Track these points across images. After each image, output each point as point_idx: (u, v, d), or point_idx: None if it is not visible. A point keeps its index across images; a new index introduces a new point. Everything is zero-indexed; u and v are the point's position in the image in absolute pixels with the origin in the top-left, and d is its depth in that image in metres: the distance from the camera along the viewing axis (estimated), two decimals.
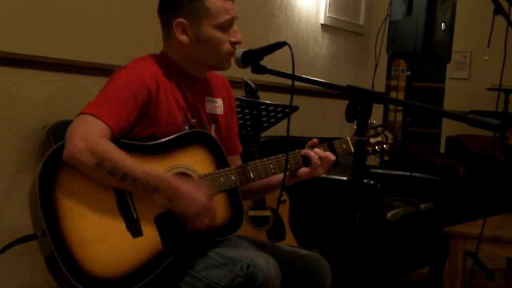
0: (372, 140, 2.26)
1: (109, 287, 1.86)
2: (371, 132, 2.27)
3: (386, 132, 2.27)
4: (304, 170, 2.17)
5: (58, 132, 2.91)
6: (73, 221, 1.87)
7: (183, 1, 2.09)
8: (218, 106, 2.24)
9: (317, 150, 2.18)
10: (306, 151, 2.17)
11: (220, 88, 2.28)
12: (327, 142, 2.21)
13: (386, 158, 2.29)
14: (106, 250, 1.88)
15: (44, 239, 1.85)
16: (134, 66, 2.06)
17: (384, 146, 2.26)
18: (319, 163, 2.15)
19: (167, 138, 2.06)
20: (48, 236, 1.83)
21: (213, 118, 2.22)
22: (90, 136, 1.89)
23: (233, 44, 2.11)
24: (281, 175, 2.14)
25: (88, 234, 1.88)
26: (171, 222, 1.98)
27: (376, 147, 2.26)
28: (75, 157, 1.87)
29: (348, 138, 2.23)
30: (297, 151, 2.18)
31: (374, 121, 2.29)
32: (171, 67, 2.14)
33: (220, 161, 2.12)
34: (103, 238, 1.89)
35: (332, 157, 2.18)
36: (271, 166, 2.14)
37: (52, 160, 1.90)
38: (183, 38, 2.10)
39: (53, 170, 1.89)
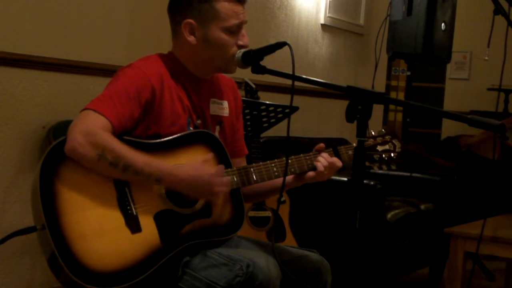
0: (380, 148, 2.25)
1: (106, 282, 1.87)
2: (379, 140, 2.26)
3: (394, 141, 2.26)
4: (309, 174, 2.18)
5: (58, 132, 2.91)
6: (72, 215, 1.88)
7: (192, 2, 2.09)
8: (223, 108, 2.24)
9: (324, 156, 2.17)
10: (316, 163, 2.16)
11: (226, 91, 2.28)
12: (333, 148, 2.21)
13: (393, 167, 2.28)
14: (105, 244, 1.89)
15: (43, 232, 1.86)
16: (140, 65, 2.07)
17: (392, 154, 2.25)
18: (325, 172, 2.16)
19: (170, 137, 2.07)
20: (47, 230, 1.84)
21: (218, 119, 2.22)
22: (91, 129, 1.91)
23: (240, 47, 2.11)
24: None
25: (87, 229, 1.89)
26: (171, 220, 1.99)
27: (384, 155, 2.24)
28: (76, 150, 1.89)
29: (354, 144, 2.22)
30: (301, 155, 2.18)
31: (383, 130, 2.29)
32: (177, 68, 2.14)
33: (223, 162, 2.12)
34: (102, 232, 1.90)
35: (339, 163, 2.18)
36: (275, 169, 2.14)
37: (54, 154, 1.92)
38: (191, 38, 2.11)
39: (55, 164, 1.91)
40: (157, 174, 1.95)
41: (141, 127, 2.04)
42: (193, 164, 2.01)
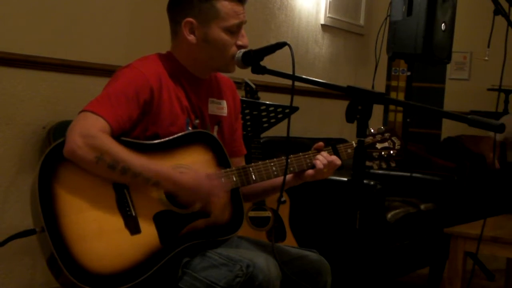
0: (379, 146, 2.25)
1: (105, 283, 1.86)
2: (378, 137, 2.26)
3: (393, 138, 2.26)
4: (308, 172, 2.18)
5: (58, 132, 2.91)
6: (71, 216, 1.88)
7: (193, 1, 2.09)
8: (222, 107, 2.24)
9: (323, 154, 2.17)
10: (315, 161, 2.16)
11: (225, 90, 2.28)
12: (332, 146, 2.21)
13: (393, 164, 2.27)
14: (104, 246, 1.89)
15: (43, 234, 1.86)
16: (138, 65, 2.07)
17: (391, 152, 2.25)
18: (324, 170, 2.16)
19: (168, 138, 2.06)
20: (46, 231, 1.84)
21: (216, 119, 2.22)
22: (89, 131, 1.90)
23: (240, 47, 2.11)
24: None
25: (86, 230, 1.88)
26: (170, 221, 1.98)
27: (383, 153, 2.24)
28: (75, 153, 1.89)
29: (353, 142, 2.22)
30: (300, 154, 2.18)
31: (382, 127, 2.29)
32: (175, 67, 2.14)
33: (222, 162, 2.12)
34: (101, 234, 1.90)
35: (338, 161, 2.18)
36: (274, 168, 2.14)
37: (52, 156, 1.91)
38: (191, 38, 2.11)
39: (53, 166, 1.90)
40: (156, 178, 1.94)
41: (139, 128, 2.04)
42: (194, 172, 2.00)
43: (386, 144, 2.25)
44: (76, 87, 3.16)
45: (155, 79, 2.05)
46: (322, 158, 2.17)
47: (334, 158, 2.18)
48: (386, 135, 2.26)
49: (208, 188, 1.99)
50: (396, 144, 2.26)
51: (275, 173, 2.15)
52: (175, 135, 2.07)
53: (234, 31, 2.11)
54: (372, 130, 2.27)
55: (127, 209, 1.95)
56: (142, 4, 3.48)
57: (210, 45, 2.11)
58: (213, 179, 2.02)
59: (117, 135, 1.98)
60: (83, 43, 3.21)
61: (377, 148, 2.25)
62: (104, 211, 1.92)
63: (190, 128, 2.13)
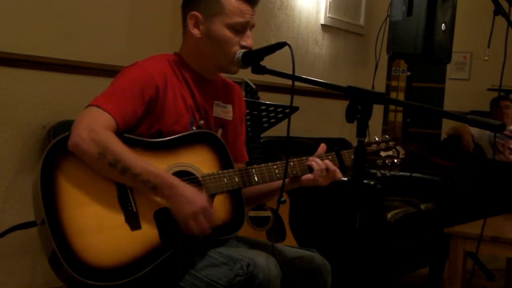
0: (383, 154, 2.24)
1: (104, 277, 1.87)
2: (382, 145, 2.25)
3: (398, 147, 2.25)
4: (307, 176, 2.16)
5: (58, 132, 2.91)
6: (72, 210, 1.89)
7: None
8: (227, 111, 2.24)
9: (326, 162, 2.16)
10: (311, 162, 2.15)
11: (232, 95, 2.28)
12: (335, 152, 2.20)
13: (397, 173, 2.26)
14: (103, 240, 1.90)
15: (43, 227, 1.86)
16: (144, 64, 2.08)
17: (395, 160, 2.24)
18: (322, 174, 2.13)
19: (172, 136, 2.07)
20: (46, 224, 1.84)
21: (220, 122, 2.22)
22: (95, 126, 1.92)
23: (243, 48, 2.11)
24: (280, 180, 2.13)
25: (87, 224, 1.89)
26: (171, 218, 1.98)
27: (387, 161, 2.23)
28: (78, 146, 1.90)
29: None
30: (304, 157, 2.17)
31: (387, 135, 2.28)
32: (182, 67, 2.15)
33: (225, 163, 2.12)
34: (101, 228, 1.90)
35: (339, 174, 2.16)
36: (277, 171, 2.14)
37: (57, 149, 1.93)
38: (195, 31, 2.12)
39: (57, 159, 1.91)
40: (154, 182, 1.94)
41: (144, 125, 2.05)
42: (198, 191, 2.00)
43: (390, 153, 2.25)
44: (76, 87, 3.16)
45: (160, 78, 2.06)
46: (318, 165, 2.15)
47: (335, 169, 2.16)
48: (391, 143, 2.26)
49: (199, 210, 1.96)
50: (401, 153, 2.25)
51: (278, 175, 2.14)
52: (179, 134, 2.08)
53: (238, 29, 2.11)
54: (376, 138, 2.27)
55: (128, 204, 1.95)
56: (142, 4, 3.48)
57: (213, 41, 2.11)
58: (211, 211, 2.00)
59: (122, 131, 1.99)
60: (83, 43, 3.21)
61: (381, 156, 2.24)
62: (105, 206, 1.93)
63: (194, 128, 2.13)
